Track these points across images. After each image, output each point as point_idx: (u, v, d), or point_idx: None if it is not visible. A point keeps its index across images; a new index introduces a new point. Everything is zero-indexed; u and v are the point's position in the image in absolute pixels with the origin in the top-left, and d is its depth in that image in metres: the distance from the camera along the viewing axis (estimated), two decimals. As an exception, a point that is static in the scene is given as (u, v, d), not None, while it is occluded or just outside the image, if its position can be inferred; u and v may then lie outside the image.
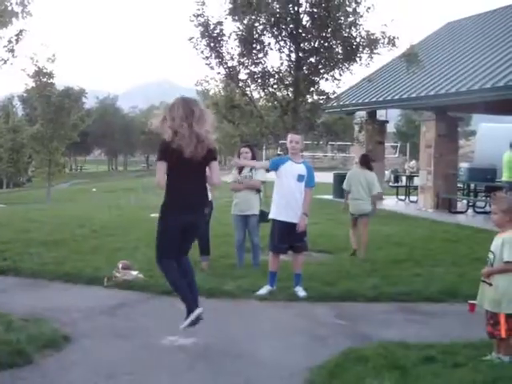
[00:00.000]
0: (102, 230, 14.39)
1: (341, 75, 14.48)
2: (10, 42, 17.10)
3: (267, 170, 8.81)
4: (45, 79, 39.69)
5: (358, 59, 14.18)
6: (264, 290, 8.59)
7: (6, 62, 17.43)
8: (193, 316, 6.25)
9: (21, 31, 17.32)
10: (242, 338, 6.78)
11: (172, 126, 6.15)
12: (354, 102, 24.14)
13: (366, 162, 12.20)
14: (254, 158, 10.13)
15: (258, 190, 10.21)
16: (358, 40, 13.99)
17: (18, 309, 7.52)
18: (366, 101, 23.96)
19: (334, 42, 14.00)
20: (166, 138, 6.15)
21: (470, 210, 21.41)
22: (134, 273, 9.29)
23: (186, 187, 6.28)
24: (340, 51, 14.09)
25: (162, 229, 6.39)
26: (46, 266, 9.99)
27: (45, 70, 39.28)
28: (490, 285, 5.78)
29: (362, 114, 25.12)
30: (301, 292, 8.54)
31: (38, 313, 7.30)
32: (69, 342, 6.28)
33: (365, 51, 14.08)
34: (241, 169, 10.25)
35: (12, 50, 17.28)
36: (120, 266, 9.39)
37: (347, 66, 14.32)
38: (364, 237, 11.79)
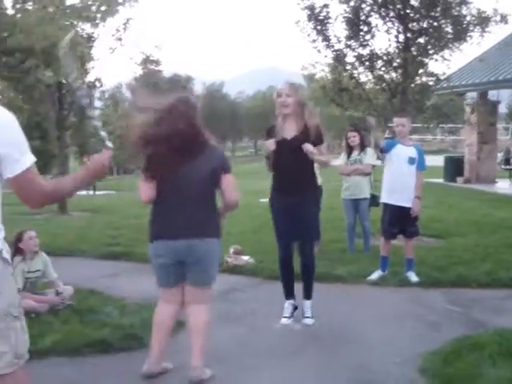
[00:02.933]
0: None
1: (451, 55, 14.17)
2: (117, 30, 17.58)
3: (380, 151, 8.66)
4: (152, 67, 40.42)
5: (468, 38, 13.82)
6: (375, 275, 8.53)
7: (114, 50, 17.94)
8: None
9: (128, 20, 17.76)
10: (353, 322, 6.75)
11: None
12: (464, 82, 23.49)
13: None
14: (361, 141, 10.05)
15: (368, 174, 10.13)
16: (468, 18, 13.62)
17: (131, 293, 7.73)
18: (477, 81, 23.27)
19: (443, 21, 13.69)
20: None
21: None
22: (246, 258, 9.39)
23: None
24: (450, 30, 13.77)
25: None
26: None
27: (152, 58, 40.04)
28: None
29: (473, 95, 24.46)
30: (413, 277, 8.43)
31: (151, 297, 7.46)
32: (181, 327, 6.37)
33: (476, 30, 13.70)
34: (350, 152, 10.18)
35: (120, 39, 17.76)
36: (231, 251, 9.51)
37: (457, 45, 13.97)
38: None
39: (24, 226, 7.50)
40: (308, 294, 6.72)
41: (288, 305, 6.74)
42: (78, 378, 5.12)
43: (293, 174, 6.41)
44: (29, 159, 3.03)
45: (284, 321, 6.60)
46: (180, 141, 4.74)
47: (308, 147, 6.15)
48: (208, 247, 4.92)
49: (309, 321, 6.57)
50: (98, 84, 18.87)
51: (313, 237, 6.70)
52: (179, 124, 4.73)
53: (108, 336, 5.85)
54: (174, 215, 4.88)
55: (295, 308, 6.73)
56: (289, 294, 6.79)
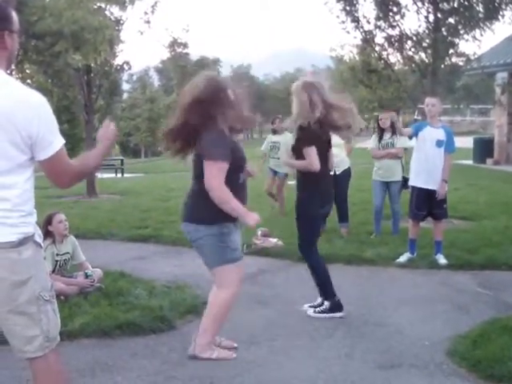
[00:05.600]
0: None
1: (482, 35, 14.00)
2: (145, 13, 17.61)
3: (410, 137, 8.61)
4: (180, 49, 40.47)
5: (500, 17, 13.62)
6: (404, 258, 8.49)
7: (142, 33, 17.99)
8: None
9: (156, 2, 17.78)
10: (382, 305, 6.74)
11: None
12: (495, 62, 23.17)
13: None
14: (392, 124, 9.97)
15: (400, 157, 10.06)
16: (501, -3, 13.43)
17: (160, 275, 7.78)
18: (509, 61, 22.93)
19: (474, 0, 13.50)
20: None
21: None
22: (274, 240, 9.39)
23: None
24: (481, 10, 13.59)
25: None
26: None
27: (180, 41, 40.05)
28: None
29: (503, 76, 24.14)
30: (441, 259, 8.38)
31: (179, 279, 7.50)
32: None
33: (508, 8, 13.49)
34: (381, 135, 10.11)
35: (148, 22, 17.80)
36: (259, 233, 9.51)
37: (488, 25, 13.79)
38: None
39: (52, 209, 7.55)
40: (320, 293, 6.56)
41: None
42: (108, 359, 5.16)
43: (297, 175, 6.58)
44: (60, 141, 3.07)
45: (305, 306, 6.57)
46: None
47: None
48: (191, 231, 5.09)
49: (310, 311, 6.42)
50: (126, 67, 18.93)
51: (302, 239, 6.48)
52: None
53: (137, 318, 5.89)
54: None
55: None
56: None
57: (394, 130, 9.93)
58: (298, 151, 6.28)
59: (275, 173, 12.24)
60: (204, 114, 4.83)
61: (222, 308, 5.17)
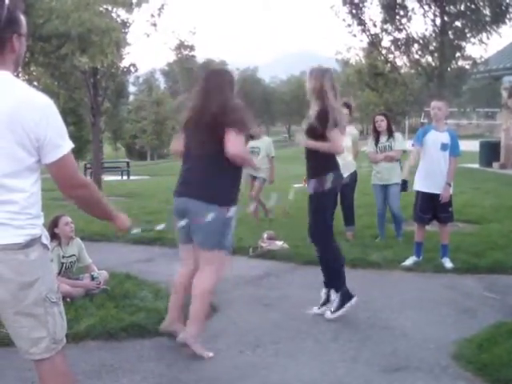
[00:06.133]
0: (244, 200, 14.54)
1: (488, 38, 14.01)
2: (152, 16, 17.67)
3: (412, 145, 8.62)
4: (186, 52, 40.49)
5: (507, 21, 13.62)
6: (410, 261, 8.49)
7: (148, 36, 18.05)
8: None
9: (162, 5, 17.84)
10: (388, 308, 6.73)
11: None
12: (502, 66, 23.13)
13: None
14: (389, 126, 9.91)
15: (398, 160, 10.01)
16: (507, 0, 13.41)
17: (165, 278, 7.75)
18: (515, 65, 22.90)
19: (481, 3, 13.50)
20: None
21: None
22: (279, 243, 9.40)
23: None
24: (488, 13, 13.59)
25: None
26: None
27: (186, 43, 40.06)
28: None
29: (510, 79, 24.08)
30: (447, 263, 8.37)
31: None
32: (215, 311, 6.42)
33: (515, 11, 13.50)
34: (377, 138, 10.03)
35: (154, 24, 17.86)
36: (265, 236, 9.52)
37: (495, 28, 13.79)
38: None
39: (58, 211, 7.56)
40: (329, 283, 6.54)
41: (323, 292, 6.61)
42: (113, 361, 5.17)
43: (308, 162, 6.41)
44: (68, 144, 3.07)
45: (314, 309, 6.53)
46: None
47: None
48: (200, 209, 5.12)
49: (327, 314, 6.37)
50: (132, 69, 18.97)
51: (314, 230, 6.45)
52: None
53: (143, 320, 5.90)
54: None
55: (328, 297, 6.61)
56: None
57: (390, 132, 9.89)
58: (315, 135, 6.20)
59: (254, 178, 12.19)
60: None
61: (211, 293, 5.29)
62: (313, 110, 6.25)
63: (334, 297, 6.38)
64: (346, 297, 6.32)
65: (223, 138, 4.99)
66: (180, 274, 5.55)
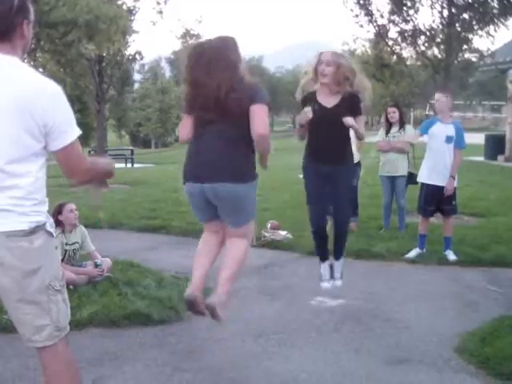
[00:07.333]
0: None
1: (496, 31, 13.97)
2: (158, 3, 17.65)
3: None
4: (192, 41, 40.37)
5: (515, 13, 13.56)
6: (413, 253, 8.48)
7: (154, 23, 18.02)
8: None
9: (169, -8, 17.78)
10: (391, 300, 6.72)
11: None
12: (508, 59, 23.03)
13: None
14: (401, 118, 9.93)
15: (405, 152, 9.99)
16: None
17: (169, 266, 7.79)
18: (522, 58, 22.80)
19: (489, -5, 13.45)
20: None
21: None
22: (283, 233, 9.40)
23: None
24: (496, 5, 13.53)
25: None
26: (195, 225, 10.23)
27: (192, 32, 39.92)
28: None
29: (517, 72, 24.02)
30: (451, 255, 8.36)
31: (188, 270, 7.46)
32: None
33: (524, 4, 13.44)
34: (388, 129, 10.07)
35: (160, 12, 17.83)
36: (269, 225, 9.52)
37: (503, 20, 13.74)
38: None
39: (63, 198, 7.59)
40: (338, 255, 6.28)
41: (324, 268, 6.36)
42: (116, 349, 5.18)
43: (331, 143, 5.99)
44: (76, 131, 3.07)
45: (325, 285, 6.31)
46: None
47: (349, 121, 5.93)
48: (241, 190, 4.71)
49: (338, 282, 6.24)
50: (137, 57, 18.94)
51: (348, 204, 6.22)
52: None
53: (146, 308, 5.91)
54: None
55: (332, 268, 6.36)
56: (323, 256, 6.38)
57: (402, 123, 9.90)
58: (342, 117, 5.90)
59: None
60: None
61: (246, 257, 4.98)
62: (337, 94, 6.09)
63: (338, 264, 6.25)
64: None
65: (242, 113, 4.54)
66: (205, 241, 5.08)
